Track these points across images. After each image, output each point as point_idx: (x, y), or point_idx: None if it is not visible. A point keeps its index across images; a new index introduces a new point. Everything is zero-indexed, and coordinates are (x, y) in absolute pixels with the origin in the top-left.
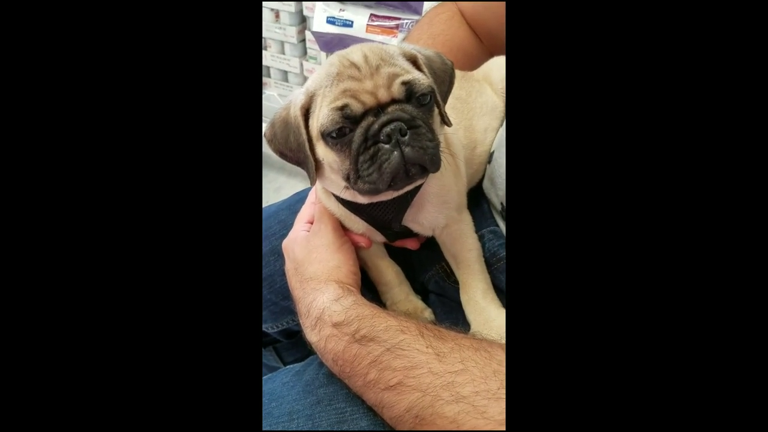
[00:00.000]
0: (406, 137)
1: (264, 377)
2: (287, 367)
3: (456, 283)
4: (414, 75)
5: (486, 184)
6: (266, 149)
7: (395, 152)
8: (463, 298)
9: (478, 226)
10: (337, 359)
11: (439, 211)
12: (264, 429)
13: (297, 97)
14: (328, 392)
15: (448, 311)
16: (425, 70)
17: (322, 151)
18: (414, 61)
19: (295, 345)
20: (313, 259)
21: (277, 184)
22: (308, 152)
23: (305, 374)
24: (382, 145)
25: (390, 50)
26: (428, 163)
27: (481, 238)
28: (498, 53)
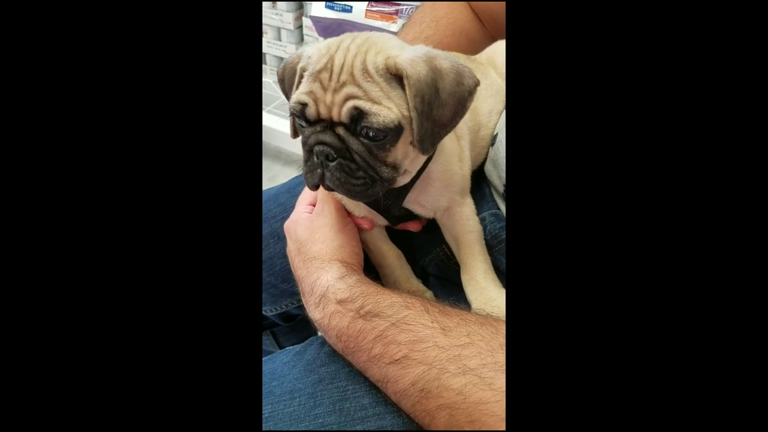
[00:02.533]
0: (332, 164)
1: (264, 358)
2: (287, 348)
3: (457, 265)
4: (371, 107)
5: (488, 167)
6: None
7: (318, 170)
8: (464, 278)
9: (479, 209)
10: (341, 335)
11: (442, 194)
12: (265, 407)
13: (304, 56)
14: (330, 371)
15: (449, 293)
16: (408, 94)
17: None
18: (400, 79)
19: (292, 329)
20: (317, 239)
21: (272, 173)
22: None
23: (306, 354)
24: (314, 156)
25: (373, 63)
26: (346, 194)
27: (482, 220)
28: (500, 37)
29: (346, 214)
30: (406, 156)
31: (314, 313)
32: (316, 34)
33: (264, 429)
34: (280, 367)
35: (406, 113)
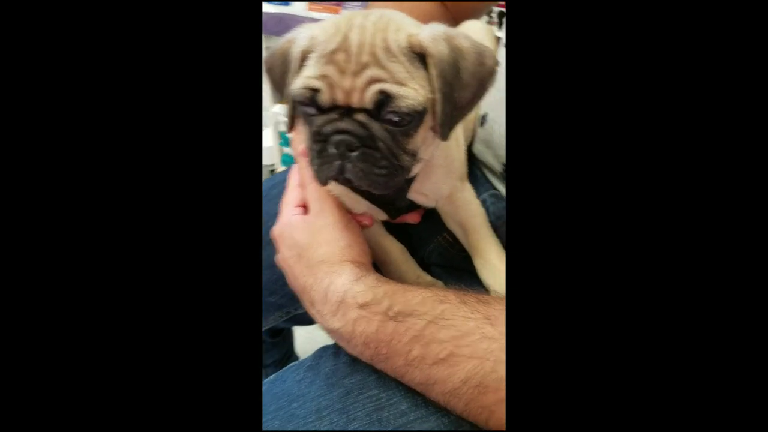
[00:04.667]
0: (354, 154)
1: (270, 378)
2: (291, 364)
3: (461, 251)
4: (398, 90)
5: (479, 148)
6: None
7: (337, 162)
8: (478, 263)
9: (477, 191)
10: (369, 342)
11: (443, 181)
12: (292, 431)
13: (302, 37)
14: (356, 381)
15: (456, 280)
16: (432, 74)
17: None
18: (424, 59)
19: (276, 345)
20: (321, 241)
21: None
22: (289, 97)
23: (321, 367)
24: (330, 147)
25: (396, 41)
26: (369, 186)
27: (483, 203)
28: (462, 19)
29: (347, 212)
30: (424, 142)
31: (332, 323)
32: None
33: None
34: (295, 387)
35: (430, 95)
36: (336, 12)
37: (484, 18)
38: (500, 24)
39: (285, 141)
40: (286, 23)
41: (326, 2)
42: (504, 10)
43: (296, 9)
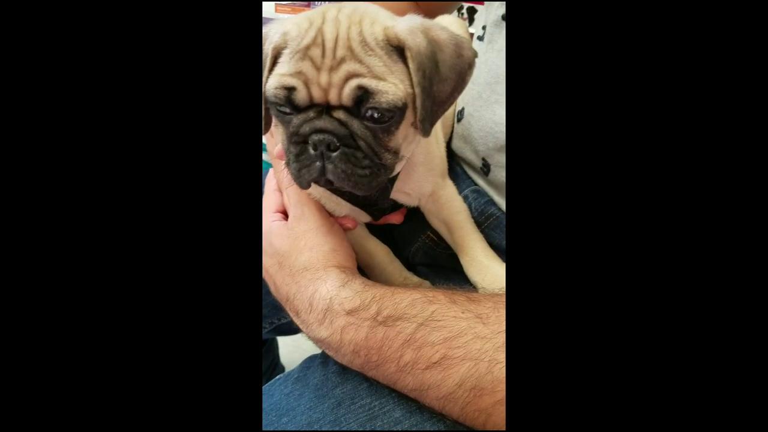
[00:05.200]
0: (335, 154)
1: None
2: (278, 377)
3: (447, 248)
4: (377, 85)
5: (458, 144)
6: None
7: (317, 163)
8: (464, 260)
9: (457, 188)
10: (358, 350)
11: (425, 178)
12: None
13: (274, 33)
14: (347, 390)
15: (443, 279)
16: (411, 68)
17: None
18: (402, 52)
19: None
20: (303, 246)
21: None
22: (263, 97)
23: (310, 378)
24: (309, 148)
25: (372, 34)
26: (352, 188)
27: (465, 199)
28: (433, 16)
29: (328, 215)
30: (405, 139)
31: (319, 332)
32: None
33: None
34: (284, 400)
35: (409, 90)
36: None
37: (454, 14)
38: (470, 20)
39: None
40: None
41: (293, 3)
42: (473, 5)
43: (264, 11)
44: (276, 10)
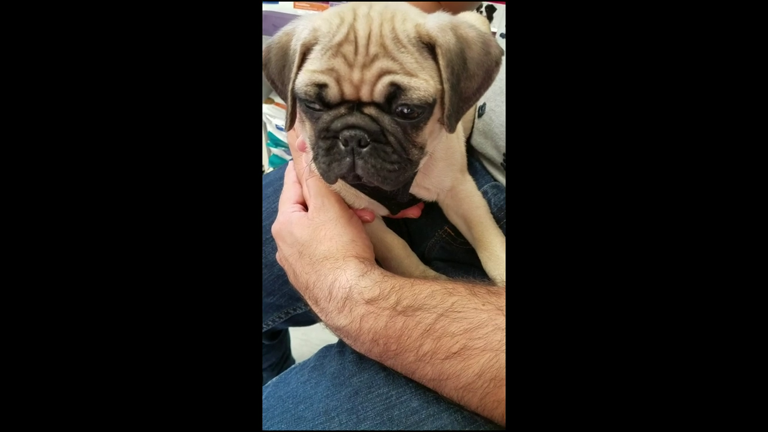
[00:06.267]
0: (365, 149)
1: (273, 381)
2: (295, 365)
3: (464, 243)
4: (409, 81)
5: (478, 140)
6: None
7: (347, 158)
8: (483, 255)
9: (477, 183)
10: (377, 338)
11: (445, 174)
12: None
13: (302, 29)
14: (364, 379)
15: (459, 274)
16: (441, 64)
17: None
18: (432, 49)
19: (273, 348)
20: (323, 236)
21: None
22: (290, 94)
23: (327, 367)
24: (339, 143)
25: (404, 31)
26: (380, 183)
27: (484, 194)
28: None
29: (348, 206)
30: (431, 135)
31: (338, 320)
32: None
33: None
34: (300, 388)
35: (438, 86)
36: (324, 9)
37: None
38: (490, 18)
39: (272, 141)
40: (271, 21)
41: (312, 0)
42: (493, 4)
43: (282, 7)
44: (295, 6)
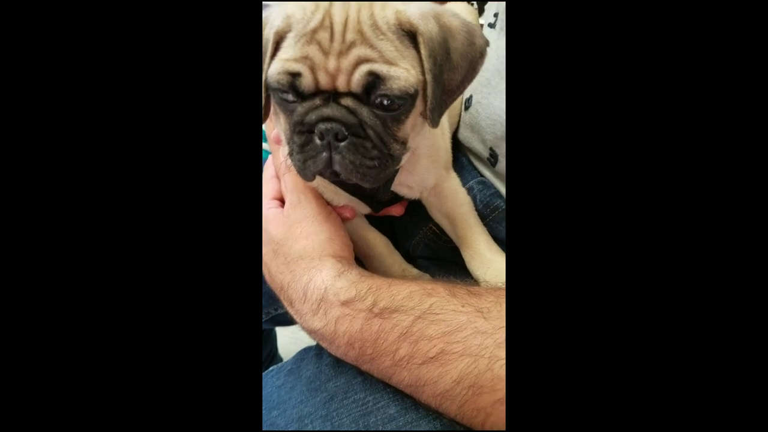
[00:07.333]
0: (342, 144)
1: None
2: (271, 368)
3: (448, 241)
4: (389, 70)
5: (464, 134)
6: None
7: (324, 153)
8: (466, 253)
9: (463, 179)
10: (353, 342)
11: (429, 171)
12: None
13: (275, 17)
14: (340, 384)
15: (443, 272)
16: (423, 54)
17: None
18: (413, 38)
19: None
20: (298, 235)
21: None
22: (263, 84)
23: (303, 371)
24: (315, 138)
25: (384, 18)
26: (359, 180)
27: (469, 191)
28: (443, 1)
29: (326, 202)
30: (413, 129)
31: (313, 323)
32: None
33: None
34: (275, 393)
35: (420, 77)
36: None
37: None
38: (480, 11)
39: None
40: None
41: None
42: None
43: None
44: None
